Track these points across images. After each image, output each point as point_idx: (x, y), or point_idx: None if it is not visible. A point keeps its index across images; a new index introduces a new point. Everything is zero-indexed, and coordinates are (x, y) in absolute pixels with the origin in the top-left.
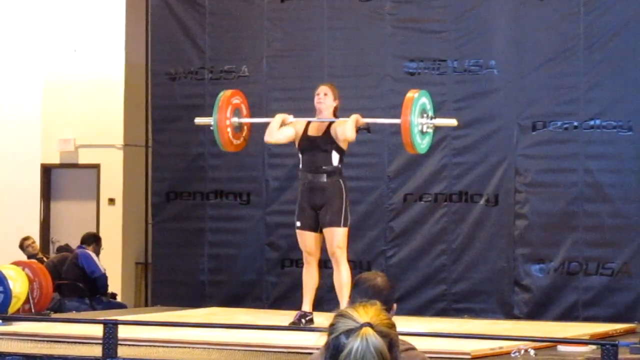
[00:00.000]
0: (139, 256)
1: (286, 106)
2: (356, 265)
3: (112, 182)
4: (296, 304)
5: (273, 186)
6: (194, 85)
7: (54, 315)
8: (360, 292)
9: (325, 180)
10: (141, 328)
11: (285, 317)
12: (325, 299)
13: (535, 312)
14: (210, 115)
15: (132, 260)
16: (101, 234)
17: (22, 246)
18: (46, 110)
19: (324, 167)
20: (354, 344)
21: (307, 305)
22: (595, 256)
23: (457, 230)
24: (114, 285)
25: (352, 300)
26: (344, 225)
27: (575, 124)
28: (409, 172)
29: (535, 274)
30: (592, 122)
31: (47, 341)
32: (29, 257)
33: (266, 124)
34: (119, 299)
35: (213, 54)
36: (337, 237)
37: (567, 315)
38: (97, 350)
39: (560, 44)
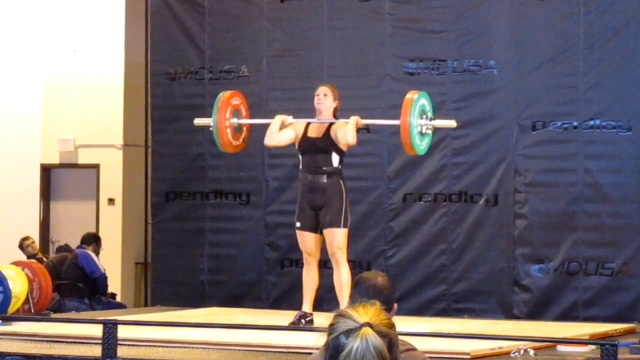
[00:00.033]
0: (139, 256)
1: (286, 106)
2: (356, 265)
3: (112, 182)
4: (296, 304)
5: (273, 186)
6: (194, 85)
7: (53, 315)
8: (361, 291)
9: (325, 180)
10: (141, 328)
11: (285, 317)
12: (325, 299)
13: (535, 312)
14: (210, 116)
15: (132, 260)
16: (101, 234)
17: (21, 246)
18: (46, 110)
19: (324, 168)
20: (354, 344)
21: (307, 306)
22: (595, 256)
23: (456, 230)
24: (114, 285)
25: (353, 300)
26: (344, 226)
27: (575, 124)
28: (408, 172)
29: (535, 274)
30: (591, 122)
31: (47, 341)
32: (29, 257)
33: (266, 125)
34: (118, 299)
35: (213, 54)
36: (337, 237)
37: (567, 315)
38: (97, 350)
39: (560, 44)
